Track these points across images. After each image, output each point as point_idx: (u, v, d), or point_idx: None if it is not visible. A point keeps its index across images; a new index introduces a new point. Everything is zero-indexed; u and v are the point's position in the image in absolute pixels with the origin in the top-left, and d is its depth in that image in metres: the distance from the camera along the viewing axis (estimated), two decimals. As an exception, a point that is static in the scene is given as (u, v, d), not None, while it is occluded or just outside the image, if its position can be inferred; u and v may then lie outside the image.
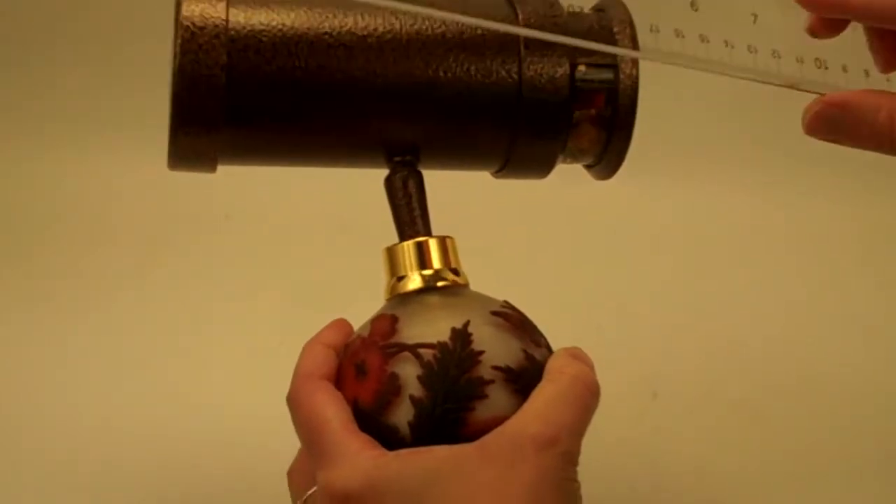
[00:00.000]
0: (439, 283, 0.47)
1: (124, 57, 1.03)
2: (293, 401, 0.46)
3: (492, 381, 0.43)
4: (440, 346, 0.43)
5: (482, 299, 0.47)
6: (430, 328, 0.44)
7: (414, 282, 0.47)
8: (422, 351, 0.44)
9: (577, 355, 0.46)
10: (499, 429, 0.42)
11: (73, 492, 0.76)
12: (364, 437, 0.43)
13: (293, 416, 0.46)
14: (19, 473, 0.76)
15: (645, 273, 0.86)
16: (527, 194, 1.09)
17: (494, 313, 0.46)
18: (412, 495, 0.40)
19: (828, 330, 0.97)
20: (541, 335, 0.48)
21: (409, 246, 0.48)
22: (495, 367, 0.43)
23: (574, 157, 0.51)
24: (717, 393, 0.89)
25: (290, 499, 0.49)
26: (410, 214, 0.48)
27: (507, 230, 0.97)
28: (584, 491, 0.44)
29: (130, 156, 1.03)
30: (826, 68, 0.44)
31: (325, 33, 0.44)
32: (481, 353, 0.43)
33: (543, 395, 0.43)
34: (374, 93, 0.45)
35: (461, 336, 0.44)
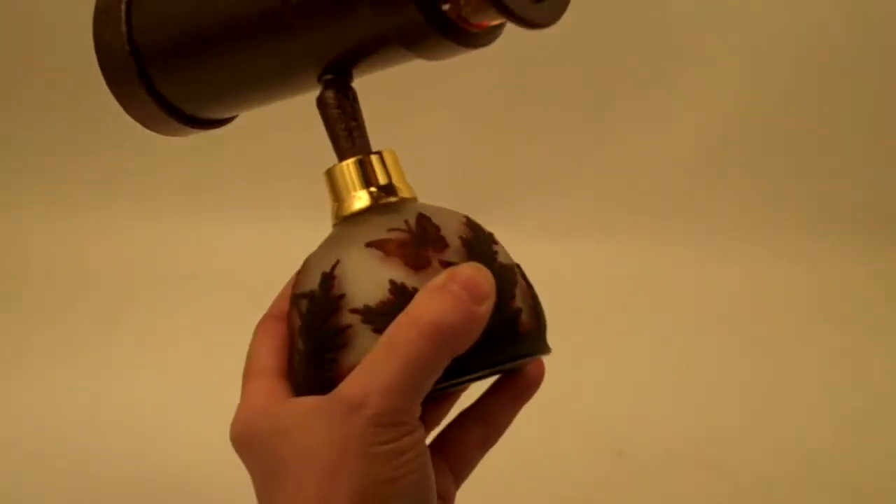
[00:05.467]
0: (381, 202, 0.44)
1: (95, 120, 1.04)
2: None
3: (349, 327, 0.40)
4: (310, 294, 0.42)
5: (385, 222, 0.43)
6: (312, 273, 0.42)
7: (360, 200, 0.44)
8: (301, 301, 0.42)
9: (440, 285, 0.39)
10: (338, 385, 0.39)
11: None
12: (260, 383, 0.42)
13: None
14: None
15: (609, 333, 0.87)
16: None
17: (370, 244, 0.41)
18: (268, 447, 0.39)
19: (793, 390, 0.98)
20: (442, 250, 0.41)
21: (349, 165, 0.44)
22: (353, 310, 0.40)
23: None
24: (682, 452, 0.89)
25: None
26: (347, 132, 0.45)
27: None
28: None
29: (99, 214, 1.03)
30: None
31: None
32: (341, 296, 0.41)
33: (374, 347, 0.39)
34: (269, 11, 0.44)
35: (326, 281, 0.41)
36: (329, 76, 0.45)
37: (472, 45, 0.42)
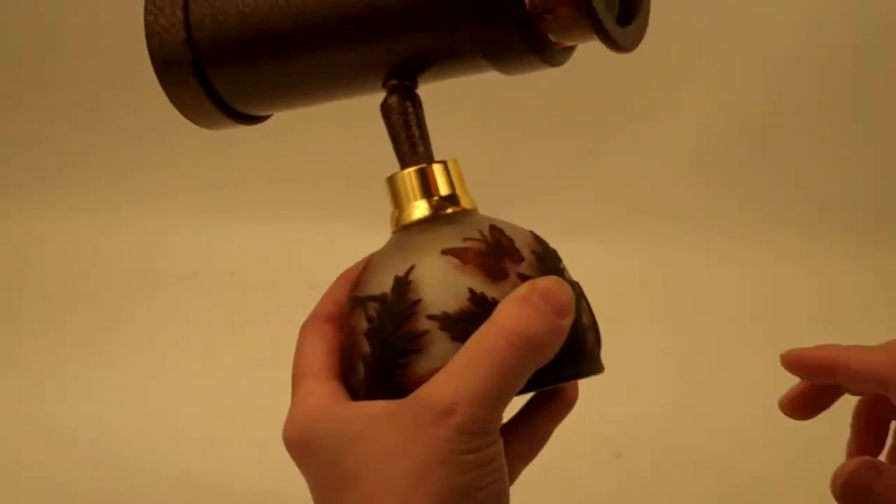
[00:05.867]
0: (443, 212, 0.43)
1: (95, 120, 1.04)
2: None
3: (425, 332, 0.40)
4: (381, 298, 0.41)
5: (457, 231, 0.42)
6: (380, 276, 0.42)
7: (420, 209, 0.43)
8: (369, 304, 0.42)
9: (523, 297, 0.39)
10: (416, 391, 0.38)
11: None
12: (315, 385, 0.41)
13: None
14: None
15: (609, 332, 0.86)
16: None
17: (446, 251, 0.41)
18: (334, 451, 0.39)
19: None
20: (518, 262, 0.42)
21: (410, 174, 0.44)
22: (430, 316, 0.40)
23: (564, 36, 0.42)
24: (682, 452, 0.89)
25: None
26: (410, 139, 0.44)
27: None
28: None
29: (99, 214, 1.03)
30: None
31: None
32: (417, 301, 0.40)
33: (459, 354, 0.38)
34: (356, 16, 0.43)
35: (400, 285, 0.41)
36: (395, 81, 0.45)
37: (553, 63, 0.43)
